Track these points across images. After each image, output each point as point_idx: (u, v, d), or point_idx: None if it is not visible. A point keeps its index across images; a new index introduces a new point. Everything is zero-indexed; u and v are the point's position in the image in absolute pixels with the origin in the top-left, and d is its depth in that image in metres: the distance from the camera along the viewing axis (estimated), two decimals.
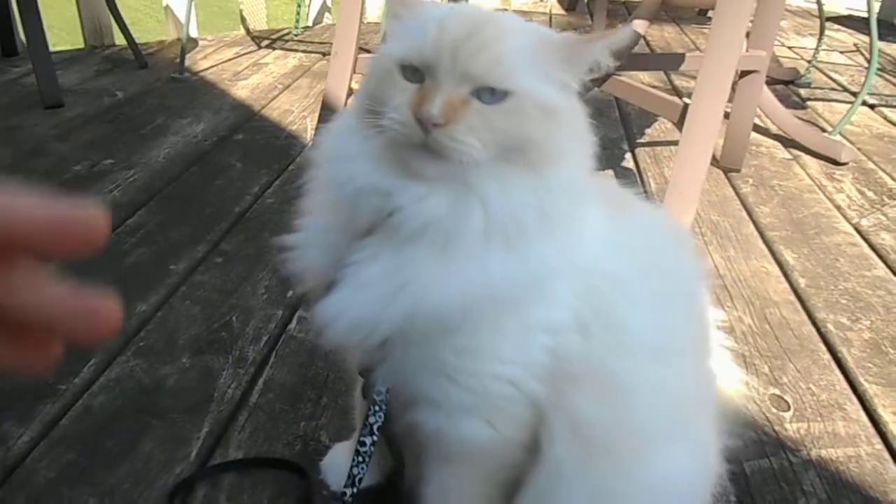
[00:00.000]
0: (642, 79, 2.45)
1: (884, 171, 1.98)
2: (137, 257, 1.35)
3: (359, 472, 0.69)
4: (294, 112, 2.17)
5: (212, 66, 2.62)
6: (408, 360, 0.59)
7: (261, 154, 1.86)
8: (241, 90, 2.37)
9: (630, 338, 0.59)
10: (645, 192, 1.77)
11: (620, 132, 2.17)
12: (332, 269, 0.59)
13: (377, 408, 0.66)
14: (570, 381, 0.59)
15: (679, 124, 1.38)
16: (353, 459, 0.69)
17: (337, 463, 0.86)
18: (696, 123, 1.34)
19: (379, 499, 0.83)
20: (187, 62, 2.54)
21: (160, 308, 1.20)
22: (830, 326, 1.25)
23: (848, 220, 1.67)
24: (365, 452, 0.68)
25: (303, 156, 1.85)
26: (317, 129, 1.75)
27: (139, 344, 1.11)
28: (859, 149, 2.14)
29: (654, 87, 2.56)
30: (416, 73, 0.54)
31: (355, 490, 0.69)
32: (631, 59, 2.06)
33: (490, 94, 0.53)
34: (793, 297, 1.34)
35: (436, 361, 0.58)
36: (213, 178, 1.71)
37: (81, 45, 2.80)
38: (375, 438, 0.67)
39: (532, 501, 0.64)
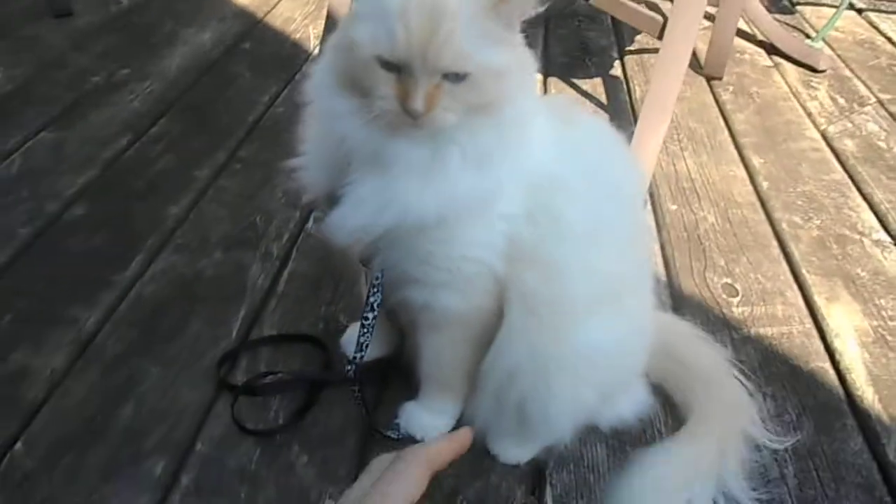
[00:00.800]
0: None
1: (859, 78, 2.09)
2: (165, 164, 1.50)
3: (364, 340, 0.87)
4: (296, 20, 2.24)
5: None
6: (397, 252, 0.77)
7: (268, 63, 1.95)
8: None
9: (565, 226, 0.75)
10: (630, 99, 1.89)
11: (611, 39, 2.25)
12: (330, 185, 0.76)
13: (375, 289, 0.83)
14: (520, 261, 0.75)
15: (660, 38, 1.48)
16: (360, 330, 0.87)
17: (353, 338, 1.04)
18: (674, 37, 1.45)
19: (386, 368, 1.02)
20: None
21: (190, 210, 1.36)
22: (784, 225, 1.41)
23: (816, 127, 1.80)
24: (368, 324, 0.86)
25: (304, 71, 1.95)
26: (322, 39, 1.84)
27: (177, 241, 1.27)
28: (839, 55, 2.23)
29: None
30: (392, 64, 0.65)
31: (363, 353, 0.88)
32: None
33: (455, 76, 0.65)
34: (755, 199, 1.50)
35: (418, 251, 0.75)
36: (225, 88, 1.82)
37: None
38: (376, 313, 0.85)
39: (492, 356, 0.82)
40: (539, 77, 1.96)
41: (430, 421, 0.92)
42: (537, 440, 0.90)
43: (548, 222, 0.74)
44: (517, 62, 0.69)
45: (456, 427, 0.92)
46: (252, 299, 1.15)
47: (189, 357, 1.04)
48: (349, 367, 0.89)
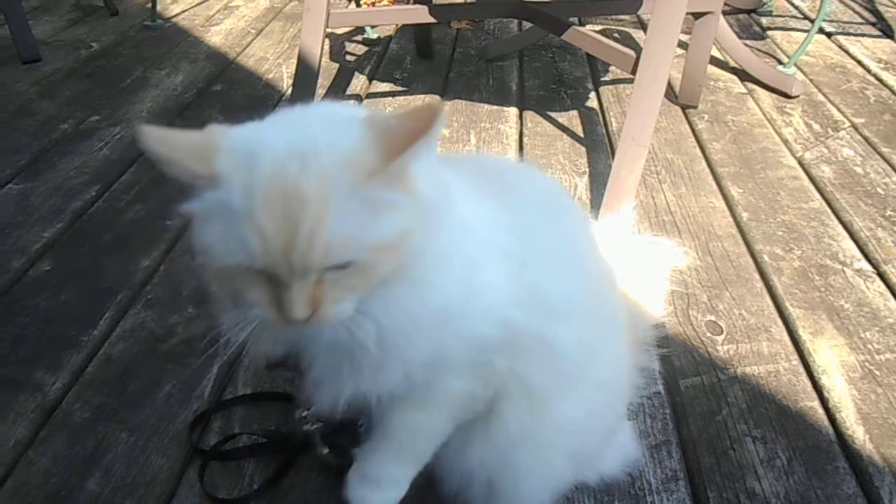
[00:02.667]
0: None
1: (832, 103, 2.10)
2: (135, 214, 1.46)
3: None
4: (269, 59, 2.23)
5: (183, 11, 2.64)
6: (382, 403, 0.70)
7: (240, 105, 1.94)
8: (215, 36, 2.41)
9: (547, 304, 0.70)
10: (607, 132, 1.89)
11: (585, 70, 2.26)
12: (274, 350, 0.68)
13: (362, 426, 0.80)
14: (516, 347, 0.69)
15: (632, 73, 1.48)
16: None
17: None
18: (647, 69, 1.44)
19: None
20: (158, 7, 2.56)
21: (161, 262, 1.32)
22: (766, 257, 1.40)
23: (793, 154, 1.80)
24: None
25: (279, 110, 1.93)
26: (294, 83, 1.82)
27: (147, 297, 1.23)
28: (812, 80, 2.25)
29: (622, 20, 2.63)
30: (255, 269, 0.54)
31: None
32: (590, 4, 2.14)
33: (337, 267, 0.54)
34: (735, 231, 1.49)
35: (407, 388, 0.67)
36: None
37: None
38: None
39: (476, 443, 0.76)
40: (514, 111, 1.96)
41: (384, 497, 0.79)
42: None
43: (532, 301, 0.68)
44: (415, 216, 0.56)
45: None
46: (225, 355, 1.11)
47: (159, 421, 1.00)
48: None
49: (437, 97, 0.64)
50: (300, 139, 0.54)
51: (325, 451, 0.87)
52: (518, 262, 0.68)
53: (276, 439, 0.97)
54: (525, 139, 1.82)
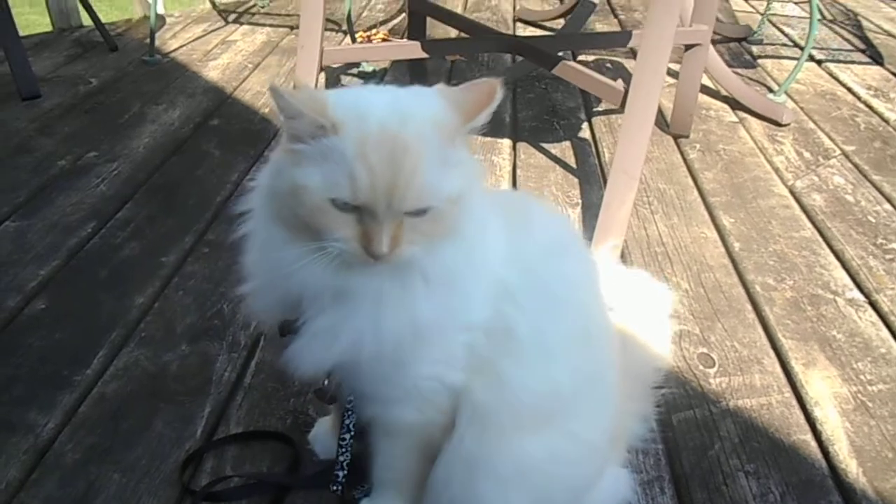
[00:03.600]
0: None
1: (822, 130, 2.12)
2: (130, 251, 1.47)
3: (344, 459, 0.85)
4: (265, 94, 2.25)
5: (181, 46, 2.68)
6: (356, 378, 0.75)
7: (237, 139, 1.95)
8: (213, 71, 2.44)
9: (513, 340, 0.73)
10: (599, 163, 1.90)
11: (578, 101, 2.28)
12: (283, 314, 0.73)
13: (349, 412, 0.81)
14: (473, 371, 0.73)
15: (621, 108, 1.50)
16: (338, 451, 0.84)
17: (322, 433, 1.02)
18: (637, 101, 1.46)
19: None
20: (157, 42, 2.59)
21: (156, 299, 1.33)
22: (758, 287, 1.41)
23: (784, 183, 1.82)
24: (346, 444, 0.84)
25: (271, 147, 1.94)
26: None
27: (141, 335, 1.24)
28: (802, 108, 2.27)
29: (615, 50, 2.66)
30: (349, 206, 0.63)
31: (345, 472, 0.85)
32: (580, 39, 2.17)
33: (418, 211, 0.63)
34: (727, 261, 1.49)
35: (377, 375, 0.73)
36: (194, 167, 1.81)
37: (49, 28, 2.83)
38: (353, 433, 0.83)
39: (437, 462, 0.79)
40: (508, 143, 1.98)
41: None
42: None
43: (497, 334, 0.72)
44: (469, 177, 0.67)
45: None
46: (218, 394, 1.12)
47: (151, 461, 1.00)
48: (335, 488, 0.86)
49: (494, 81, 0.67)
50: (397, 103, 0.66)
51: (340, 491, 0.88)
52: (505, 294, 0.72)
53: (268, 482, 0.97)
54: (518, 171, 1.84)
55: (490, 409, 0.75)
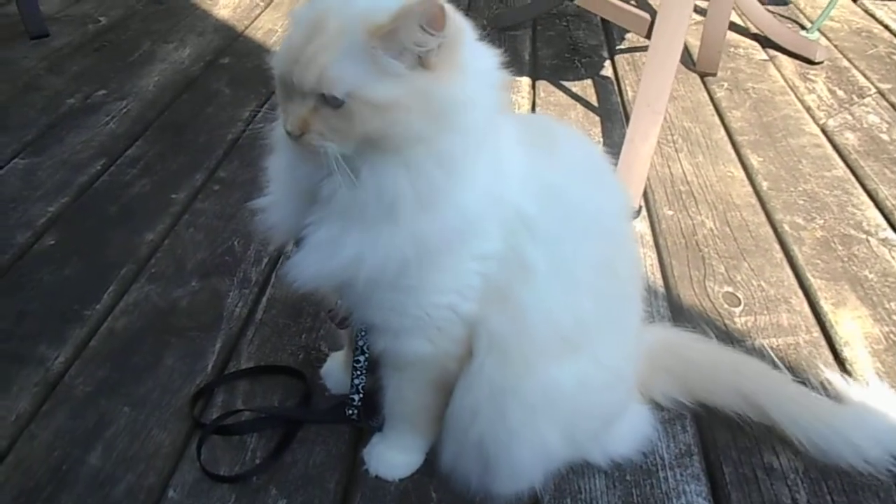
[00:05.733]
0: None
1: (857, 68, 2.03)
2: (140, 188, 1.44)
3: (360, 382, 0.83)
4: (277, 32, 2.19)
5: None
6: (364, 303, 0.72)
7: (248, 78, 1.90)
8: (223, 10, 2.37)
9: (530, 270, 0.69)
10: (622, 101, 1.83)
11: (601, 38, 2.20)
12: (296, 228, 0.71)
13: (363, 332, 0.79)
14: (488, 300, 0.70)
15: (647, 37, 1.43)
16: (353, 373, 0.83)
17: (334, 369, 1.00)
18: (663, 34, 1.39)
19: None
20: None
21: (167, 236, 1.30)
22: (786, 227, 1.35)
23: (816, 122, 1.74)
24: (361, 366, 0.82)
25: None
26: None
27: (151, 270, 1.22)
28: (836, 45, 2.17)
29: None
30: (283, 86, 0.63)
31: (361, 395, 0.84)
32: None
33: (332, 100, 0.60)
34: (754, 200, 1.44)
35: (385, 301, 0.70)
36: (204, 105, 1.77)
37: None
38: (367, 355, 0.81)
39: (458, 393, 0.77)
40: (527, 81, 1.91)
41: (398, 459, 0.87)
42: (503, 483, 0.82)
43: (514, 263, 0.69)
44: (416, 98, 0.61)
45: (425, 462, 0.88)
46: (229, 329, 1.10)
47: (162, 395, 0.99)
48: (350, 412, 0.84)
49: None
50: None
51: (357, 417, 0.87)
52: (520, 223, 0.68)
53: (280, 416, 0.95)
54: (537, 109, 1.78)
55: (509, 338, 0.72)
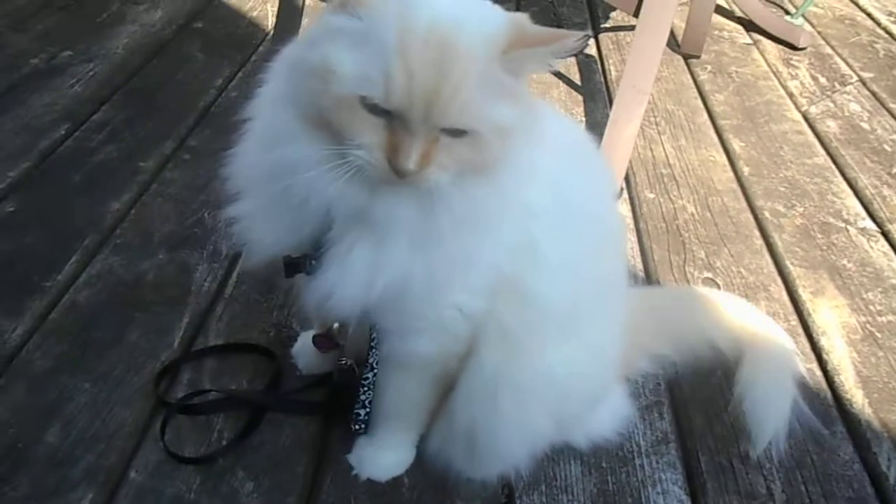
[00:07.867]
0: None
1: (840, 56, 2.02)
2: (106, 155, 1.38)
3: (367, 397, 0.79)
4: None
5: None
6: (380, 311, 0.67)
7: (222, 44, 1.83)
8: None
9: (537, 258, 0.68)
10: (605, 80, 1.80)
11: (585, 16, 2.16)
12: (293, 244, 0.65)
13: (373, 349, 0.75)
14: (496, 294, 0.68)
15: (635, 15, 1.40)
16: (360, 389, 0.78)
17: (305, 348, 0.96)
18: (650, 13, 1.36)
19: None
20: None
21: (133, 206, 1.25)
22: (767, 213, 1.35)
23: (798, 108, 1.73)
24: (369, 383, 0.78)
25: (260, 53, 1.83)
26: (276, 22, 1.73)
27: (116, 241, 1.17)
28: (819, 32, 2.16)
29: None
30: (380, 109, 0.54)
31: (368, 410, 0.80)
32: None
33: (456, 132, 0.55)
34: (735, 186, 1.43)
35: (405, 310, 0.66)
36: (175, 70, 1.70)
37: None
38: (376, 371, 0.77)
39: (460, 383, 0.75)
40: None
41: (391, 459, 0.85)
42: (488, 466, 0.82)
43: (525, 255, 0.67)
44: (523, 118, 0.58)
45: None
46: (197, 304, 1.06)
47: (125, 372, 0.95)
48: (356, 427, 0.80)
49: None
50: (454, 5, 0.56)
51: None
52: (530, 214, 0.67)
53: (247, 400, 0.92)
54: None
55: (513, 327, 0.70)
